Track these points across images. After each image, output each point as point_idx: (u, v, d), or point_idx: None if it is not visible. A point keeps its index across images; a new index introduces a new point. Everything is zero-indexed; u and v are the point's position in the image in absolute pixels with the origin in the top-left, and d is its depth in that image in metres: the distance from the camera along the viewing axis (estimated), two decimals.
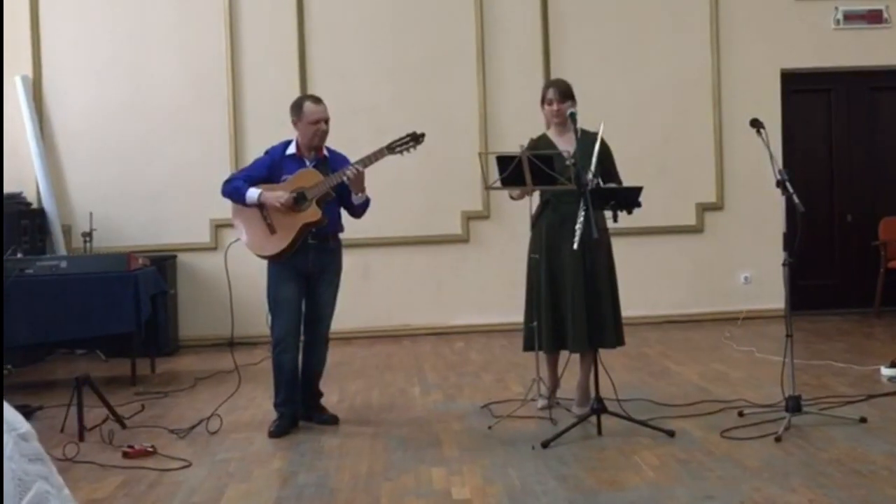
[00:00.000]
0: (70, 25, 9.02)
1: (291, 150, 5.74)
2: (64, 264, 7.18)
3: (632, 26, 9.31)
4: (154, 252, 8.50)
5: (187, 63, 9.07)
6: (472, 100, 9.19)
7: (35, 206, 8.83)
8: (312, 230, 5.59)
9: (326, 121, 5.69)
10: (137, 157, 9.04)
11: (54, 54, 9.01)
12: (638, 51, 9.30)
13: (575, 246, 5.32)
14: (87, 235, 8.36)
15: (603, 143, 5.73)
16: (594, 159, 5.46)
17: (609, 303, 5.61)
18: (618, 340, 5.72)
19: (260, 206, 5.58)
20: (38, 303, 6.92)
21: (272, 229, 5.59)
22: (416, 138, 5.64)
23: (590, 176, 5.38)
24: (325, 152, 5.77)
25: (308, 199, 5.53)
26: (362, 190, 5.63)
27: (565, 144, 5.64)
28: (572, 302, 5.57)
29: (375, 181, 8.36)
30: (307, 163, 5.70)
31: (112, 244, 8.62)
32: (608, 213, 5.43)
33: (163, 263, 8.36)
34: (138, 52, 9.06)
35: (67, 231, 8.92)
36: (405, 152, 5.65)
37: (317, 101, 5.74)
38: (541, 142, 5.82)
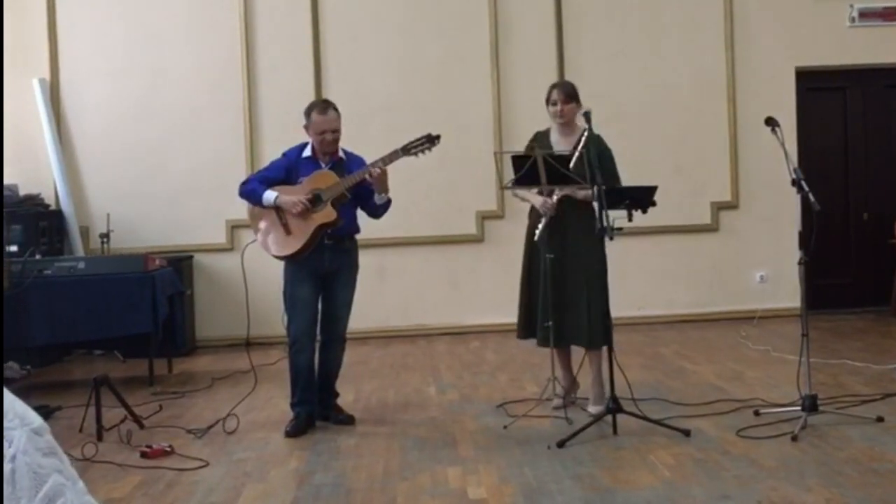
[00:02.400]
0: (87, 28, 9.07)
1: (307, 152, 5.77)
2: (82, 265, 7.22)
3: (646, 25, 9.30)
4: (171, 253, 8.54)
5: (203, 65, 9.11)
6: (486, 100, 9.20)
7: (53, 207, 8.88)
8: (328, 231, 5.62)
9: (334, 130, 5.67)
10: (154, 159, 9.08)
11: (71, 57, 9.06)
12: (652, 50, 9.29)
13: (536, 237, 5.60)
14: (105, 236, 8.41)
15: (601, 144, 5.73)
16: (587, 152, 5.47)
17: (584, 303, 5.61)
18: (592, 341, 5.69)
19: (276, 207, 5.62)
20: (56, 304, 6.97)
21: (287, 230, 5.62)
22: (431, 140, 5.64)
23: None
24: (342, 154, 5.79)
25: (323, 200, 5.55)
26: (386, 190, 5.63)
27: (566, 146, 5.68)
28: (543, 299, 5.67)
29: (391, 181, 8.39)
30: (323, 165, 5.73)
31: (129, 245, 8.67)
32: (622, 213, 5.44)
33: (179, 264, 8.40)
34: (154, 54, 9.10)
35: (85, 232, 8.98)
36: (420, 154, 5.66)
37: (324, 109, 5.69)
38: (541, 138, 5.86)
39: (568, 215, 5.64)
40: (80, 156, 9.10)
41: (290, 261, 5.72)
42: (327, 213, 5.56)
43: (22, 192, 8.56)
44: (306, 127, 5.74)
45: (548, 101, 5.83)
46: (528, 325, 5.89)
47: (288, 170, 5.75)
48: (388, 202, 5.73)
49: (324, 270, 5.72)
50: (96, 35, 9.09)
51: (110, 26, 9.09)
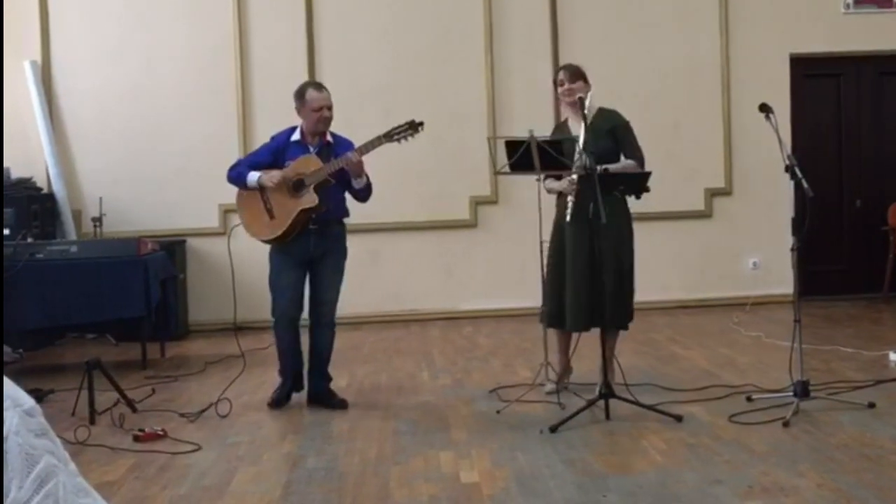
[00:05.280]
0: (79, 10, 9.02)
1: (296, 136, 5.83)
2: (74, 249, 7.20)
3: (641, 11, 9.28)
4: (163, 237, 8.52)
5: (196, 48, 9.07)
6: (480, 84, 9.18)
7: (45, 190, 8.86)
8: (312, 216, 5.65)
9: (329, 107, 5.76)
10: (147, 142, 9.05)
11: (63, 39, 9.02)
12: (647, 36, 9.27)
13: (567, 219, 5.52)
14: (97, 220, 8.39)
15: (616, 118, 5.76)
16: (582, 136, 5.46)
17: (610, 284, 5.62)
18: (618, 323, 5.75)
19: (261, 189, 5.68)
20: (48, 287, 6.95)
21: (271, 214, 5.70)
22: (414, 126, 5.67)
23: (576, 156, 5.43)
24: (330, 138, 5.84)
25: (306, 185, 5.59)
26: (360, 175, 5.69)
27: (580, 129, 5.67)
28: (573, 282, 5.64)
29: (384, 167, 8.37)
30: (311, 149, 5.77)
31: (122, 229, 8.64)
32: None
33: (172, 248, 8.39)
34: (147, 36, 9.06)
35: (77, 216, 8.95)
36: (403, 140, 5.70)
37: (319, 87, 5.81)
38: (560, 129, 5.90)
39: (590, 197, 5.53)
40: (72, 139, 9.06)
41: (275, 245, 5.79)
42: (310, 199, 5.62)
43: (13, 175, 8.52)
44: (298, 109, 5.79)
45: (555, 83, 5.88)
46: (558, 313, 5.80)
47: (275, 153, 5.83)
48: (369, 186, 5.79)
49: (309, 255, 5.77)
50: (88, 17, 9.04)
51: (103, 8, 9.04)
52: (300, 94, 5.77)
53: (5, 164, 8.43)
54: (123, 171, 9.00)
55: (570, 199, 5.60)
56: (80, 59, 9.03)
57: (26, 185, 8.59)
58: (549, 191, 5.93)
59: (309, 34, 9.09)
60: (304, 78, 8.69)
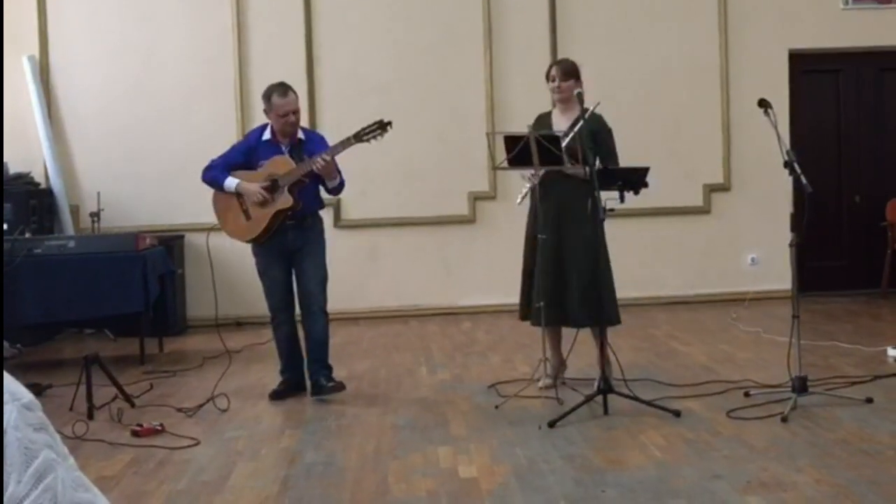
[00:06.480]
0: (77, 6, 8.99)
1: (267, 135, 5.96)
2: (72, 244, 7.20)
3: (640, 8, 9.26)
4: (162, 232, 8.51)
5: (195, 45, 9.05)
6: (479, 81, 9.16)
7: (43, 185, 8.84)
8: (289, 214, 5.75)
9: (295, 111, 5.85)
10: (145, 138, 9.03)
11: (62, 35, 8.99)
12: (646, 32, 9.26)
13: (518, 200, 5.73)
14: (95, 215, 8.37)
15: (600, 123, 5.76)
16: (568, 135, 5.49)
17: (591, 281, 5.63)
18: (593, 320, 5.71)
19: (237, 194, 5.81)
20: (46, 282, 6.94)
21: (248, 216, 5.84)
22: (383, 126, 5.78)
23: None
24: (301, 135, 5.96)
25: (280, 186, 5.68)
26: (332, 178, 5.81)
27: (566, 124, 5.68)
28: (542, 279, 5.70)
29: (383, 163, 8.39)
30: (283, 148, 5.88)
31: (120, 224, 8.61)
32: (614, 194, 5.46)
33: (170, 243, 8.38)
34: (147, 33, 9.03)
35: (75, 211, 8.93)
36: (372, 140, 5.77)
37: (284, 92, 5.84)
38: (542, 119, 5.88)
39: (564, 194, 5.62)
40: (70, 134, 9.04)
41: (254, 243, 5.91)
42: (285, 200, 5.74)
43: (12, 170, 8.51)
44: (266, 112, 5.90)
45: (547, 77, 5.88)
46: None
47: (248, 153, 5.96)
48: (341, 184, 5.93)
49: (289, 248, 5.90)
50: (87, 12, 9.01)
51: (102, 4, 9.02)
52: (266, 99, 5.87)
53: (4, 159, 8.42)
54: (122, 166, 8.98)
55: (527, 186, 5.65)
56: (79, 54, 9.01)
57: (24, 180, 8.58)
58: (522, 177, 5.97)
59: (308, 32, 9.06)
60: (304, 76, 8.73)
